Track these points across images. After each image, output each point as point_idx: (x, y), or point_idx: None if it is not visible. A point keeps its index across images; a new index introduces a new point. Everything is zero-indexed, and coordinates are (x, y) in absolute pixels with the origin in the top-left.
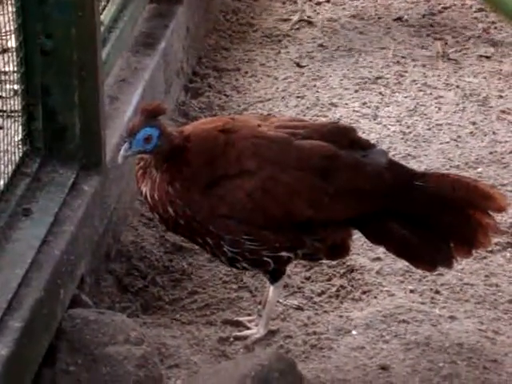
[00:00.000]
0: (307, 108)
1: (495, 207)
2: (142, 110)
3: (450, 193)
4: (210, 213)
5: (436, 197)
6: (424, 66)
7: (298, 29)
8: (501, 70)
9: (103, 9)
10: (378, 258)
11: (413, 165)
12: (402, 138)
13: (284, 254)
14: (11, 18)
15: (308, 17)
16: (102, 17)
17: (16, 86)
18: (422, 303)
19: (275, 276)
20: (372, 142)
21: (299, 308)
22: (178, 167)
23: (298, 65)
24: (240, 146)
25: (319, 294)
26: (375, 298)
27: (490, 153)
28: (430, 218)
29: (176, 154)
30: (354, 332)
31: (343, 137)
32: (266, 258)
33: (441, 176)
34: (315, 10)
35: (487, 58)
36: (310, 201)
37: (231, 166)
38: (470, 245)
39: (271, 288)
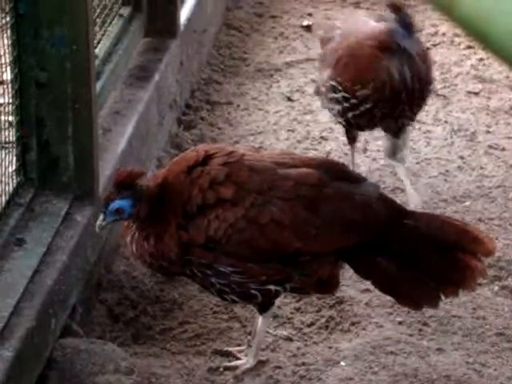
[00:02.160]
0: (298, 141)
1: (483, 251)
2: (114, 181)
3: (440, 234)
4: (190, 244)
5: (425, 236)
6: None
7: (289, 64)
8: (488, 105)
9: (98, 42)
10: (367, 290)
11: (401, 198)
12: (391, 172)
13: (272, 287)
14: (7, 50)
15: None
16: (96, 50)
17: (11, 118)
18: (410, 335)
19: (264, 307)
20: (362, 175)
21: (289, 339)
22: (152, 220)
23: (289, 99)
24: (213, 173)
25: (308, 325)
26: (364, 329)
27: (478, 187)
28: (418, 257)
29: (154, 207)
30: (342, 363)
31: (333, 170)
32: (253, 291)
33: (431, 216)
34: (306, 46)
35: (475, 94)
36: (297, 233)
37: (206, 195)
38: (457, 285)
39: (260, 318)
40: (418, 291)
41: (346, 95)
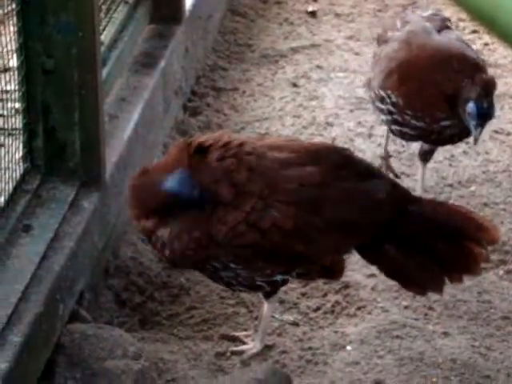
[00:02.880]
0: (303, 127)
1: (488, 239)
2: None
3: (446, 220)
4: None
5: (431, 223)
6: None
7: (294, 50)
8: None
9: (103, 29)
10: (373, 275)
11: (407, 183)
12: (397, 157)
13: (278, 277)
14: (13, 37)
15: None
16: (102, 37)
17: (17, 105)
18: (416, 319)
19: (270, 293)
20: (372, 166)
21: (295, 323)
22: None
23: (295, 85)
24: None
25: (315, 310)
26: (370, 313)
27: (483, 172)
28: (424, 243)
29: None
30: (348, 347)
31: (337, 157)
32: (260, 283)
33: (437, 203)
34: (311, 31)
35: None
36: (299, 236)
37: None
38: (462, 272)
39: (265, 303)
40: (423, 276)
41: (393, 110)
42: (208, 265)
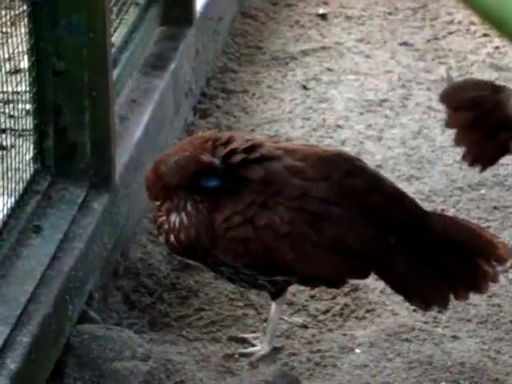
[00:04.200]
0: (313, 129)
1: (497, 256)
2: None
3: (455, 236)
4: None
5: (441, 238)
6: (428, 89)
7: (304, 52)
8: None
9: (114, 30)
10: None
11: (417, 186)
12: (407, 160)
13: (279, 278)
14: (24, 39)
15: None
16: (113, 38)
17: (28, 106)
18: (425, 322)
19: (276, 294)
20: (381, 178)
21: (304, 326)
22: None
23: (305, 87)
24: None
25: (324, 313)
26: (379, 316)
27: (493, 175)
28: (433, 258)
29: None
30: (357, 350)
31: (348, 165)
32: (261, 282)
33: (448, 218)
34: (321, 34)
35: None
36: (291, 244)
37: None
38: (468, 288)
39: (273, 305)
40: (429, 291)
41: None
42: (209, 258)
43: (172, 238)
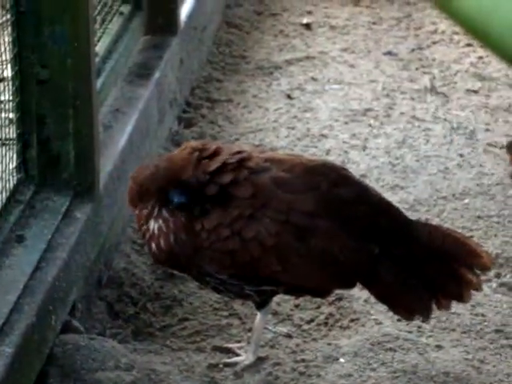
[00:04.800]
0: (298, 139)
1: (481, 265)
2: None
3: (440, 245)
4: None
5: (425, 247)
6: (413, 99)
7: (289, 62)
8: (488, 103)
9: (98, 40)
10: None
11: (401, 195)
12: (391, 169)
13: (266, 287)
14: (7, 48)
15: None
16: (97, 47)
17: (11, 115)
18: (409, 332)
19: (262, 304)
20: (367, 188)
21: (288, 335)
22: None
23: (289, 96)
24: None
25: (308, 322)
26: (363, 326)
27: (477, 184)
28: (417, 267)
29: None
30: (341, 360)
31: (334, 175)
32: (248, 292)
33: (433, 227)
34: (306, 43)
35: (474, 91)
36: (278, 256)
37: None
38: (451, 298)
39: (258, 314)
40: (413, 301)
41: None
42: (193, 268)
43: (153, 246)
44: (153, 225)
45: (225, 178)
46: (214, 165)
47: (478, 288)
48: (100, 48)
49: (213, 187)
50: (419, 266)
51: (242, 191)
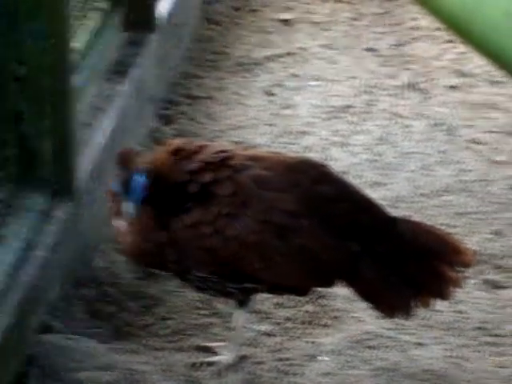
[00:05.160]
0: (278, 136)
1: (462, 262)
2: (121, 161)
3: (421, 242)
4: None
5: (407, 244)
6: (393, 95)
7: (269, 58)
8: (468, 99)
9: (76, 36)
10: None
11: (381, 192)
12: (371, 166)
13: (248, 285)
14: None
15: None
16: (75, 44)
17: None
18: (390, 329)
19: (243, 302)
20: (348, 184)
21: (269, 334)
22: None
23: (269, 93)
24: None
25: (289, 320)
26: (344, 323)
27: (458, 181)
28: (399, 265)
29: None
30: (322, 358)
31: (314, 171)
32: (231, 289)
33: (414, 224)
34: (286, 39)
35: (455, 88)
36: (259, 254)
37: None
38: (431, 295)
39: (239, 313)
40: (393, 299)
41: None
42: (170, 265)
43: (124, 244)
44: (120, 222)
45: (206, 176)
46: (196, 164)
47: (459, 285)
48: (78, 44)
49: (194, 185)
50: (401, 264)
51: (223, 189)
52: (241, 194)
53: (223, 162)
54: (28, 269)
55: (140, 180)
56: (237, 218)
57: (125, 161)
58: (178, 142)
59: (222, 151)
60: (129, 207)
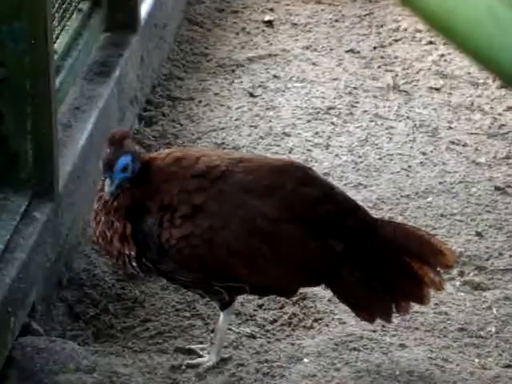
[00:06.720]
0: (260, 137)
1: (443, 263)
2: (111, 141)
3: (403, 244)
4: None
5: (389, 246)
6: (375, 97)
7: (251, 59)
8: (450, 101)
9: (57, 37)
10: None
11: (364, 194)
12: (354, 168)
13: (234, 284)
14: None
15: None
16: (55, 45)
17: None
18: (373, 331)
19: (226, 303)
20: (332, 187)
21: (252, 336)
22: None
23: (252, 95)
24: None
25: (271, 322)
26: (327, 325)
27: (440, 183)
28: (380, 268)
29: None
30: (305, 360)
31: (299, 174)
32: (216, 288)
33: (397, 226)
34: (268, 41)
35: (437, 89)
36: (246, 259)
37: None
38: (410, 300)
39: (221, 315)
40: (374, 304)
41: None
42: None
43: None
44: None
45: (197, 198)
46: (192, 185)
47: (440, 289)
48: (59, 45)
49: (185, 207)
50: (382, 267)
51: (209, 205)
52: (226, 201)
53: (215, 181)
54: (8, 271)
55: (126, 161)
56: (222, 226)
57: (116, 140)
58: (176, 153)
59: (216, 166)
60: (109, 185)
